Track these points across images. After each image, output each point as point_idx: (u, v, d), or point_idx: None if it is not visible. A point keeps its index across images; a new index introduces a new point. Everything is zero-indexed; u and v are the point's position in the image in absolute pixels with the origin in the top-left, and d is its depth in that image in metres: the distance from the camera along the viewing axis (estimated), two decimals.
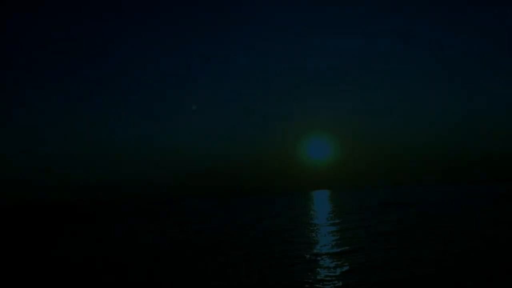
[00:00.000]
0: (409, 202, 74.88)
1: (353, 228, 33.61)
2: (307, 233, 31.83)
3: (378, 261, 18.85)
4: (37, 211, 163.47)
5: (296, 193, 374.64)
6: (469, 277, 15.28)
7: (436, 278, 15.16)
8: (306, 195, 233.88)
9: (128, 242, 33.28)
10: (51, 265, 23.11)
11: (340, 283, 15.43)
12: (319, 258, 20.56)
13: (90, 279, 18.56)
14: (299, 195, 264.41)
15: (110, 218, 77.14)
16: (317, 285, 15.41)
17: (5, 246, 34.90)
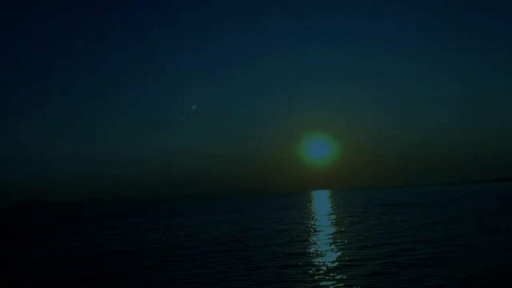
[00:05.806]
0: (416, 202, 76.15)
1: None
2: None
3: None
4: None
5: (296, 193, 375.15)
6: None
7: None
8: (307, 195, 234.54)
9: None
10: None
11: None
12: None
13: None
14: (300, 195, 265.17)
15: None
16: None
17: None
